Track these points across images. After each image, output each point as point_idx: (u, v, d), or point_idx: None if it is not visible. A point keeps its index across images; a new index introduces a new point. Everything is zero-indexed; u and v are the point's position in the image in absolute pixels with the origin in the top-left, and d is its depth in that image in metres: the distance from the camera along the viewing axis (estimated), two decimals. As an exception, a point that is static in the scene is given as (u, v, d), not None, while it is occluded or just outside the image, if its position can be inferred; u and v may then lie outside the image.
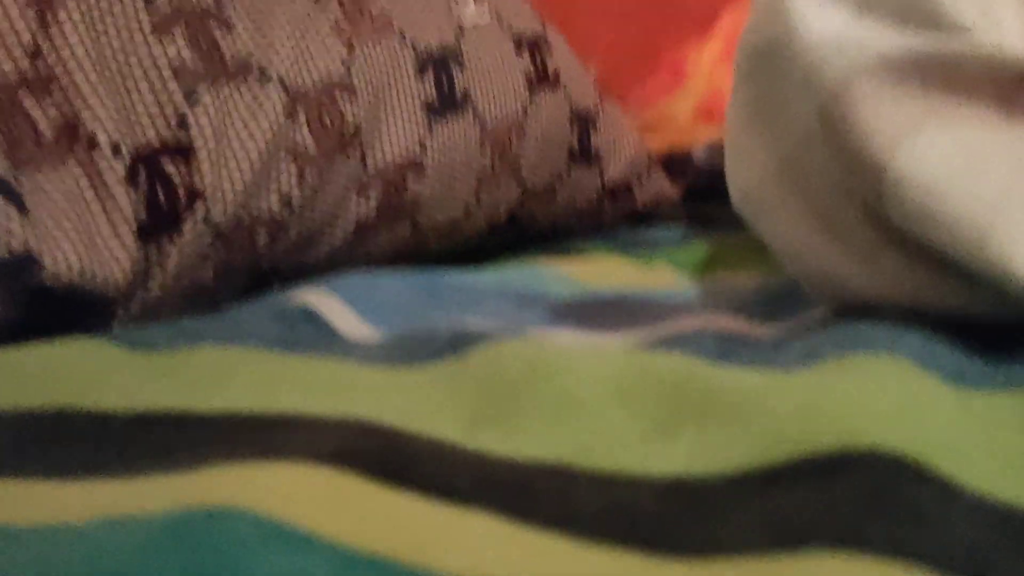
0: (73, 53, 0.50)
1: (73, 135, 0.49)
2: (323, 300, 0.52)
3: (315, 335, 0.48)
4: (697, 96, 1.03)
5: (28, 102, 0.49)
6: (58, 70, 0.49)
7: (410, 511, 0.25)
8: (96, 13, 0.51)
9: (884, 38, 0.40)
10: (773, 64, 0.44)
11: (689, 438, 0.30)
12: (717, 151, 0.93)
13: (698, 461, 0.29)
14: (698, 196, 0.96)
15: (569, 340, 0.45)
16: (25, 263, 0.45)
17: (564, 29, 0.92)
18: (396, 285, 0.57)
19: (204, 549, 0.22)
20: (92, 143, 0.50)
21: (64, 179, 0.49)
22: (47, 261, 0.46)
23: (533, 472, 0.28)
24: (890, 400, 0.30)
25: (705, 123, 1.02)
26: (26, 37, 0.49)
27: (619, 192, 0.87)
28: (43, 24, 0.50)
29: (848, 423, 0.28)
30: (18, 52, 0.49)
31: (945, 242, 0.37)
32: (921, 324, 0.38)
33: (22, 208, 0.46)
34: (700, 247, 0.70)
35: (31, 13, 0.49)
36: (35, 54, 0.49)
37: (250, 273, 0.60)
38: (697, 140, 1.00)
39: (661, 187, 0.91)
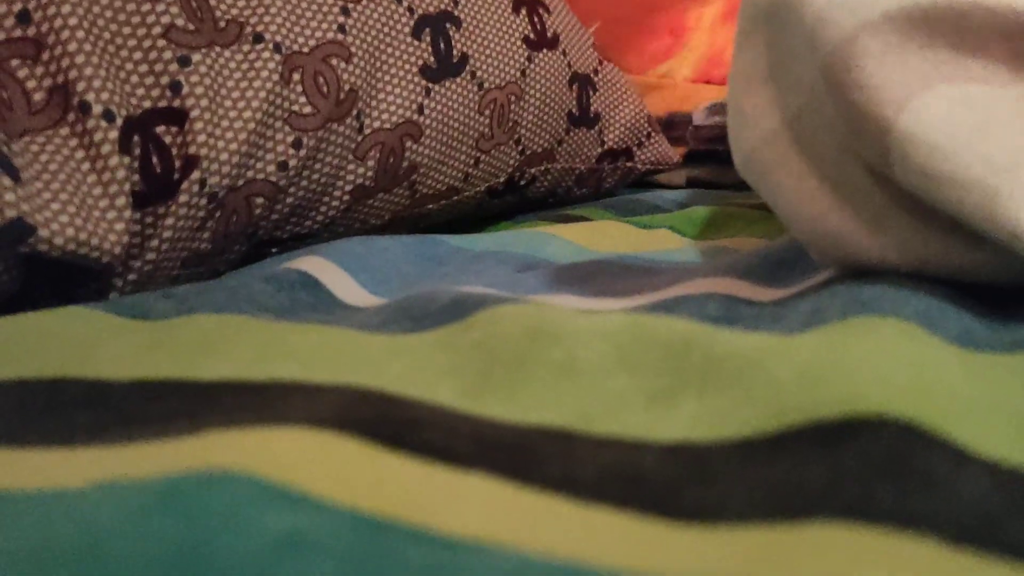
0: (65, 21, 0.50)
1: (66, 102, 0.49)
2: (322, 266, 0.51)
3: (314, 301, 0.48)
4: (698, 57, 1.02)
5: (21, 71, 0.48)
6: (50, 38, 0.49)
7: (410, 473, 0.25)
8: None
9: (891, -6, 0.39)
10: (776, 22, 0.43)
11: (692, 403, 0.30)
12: (718, 112, 0.93)
13: (701, 426, 0.28)
14: (699, 157, 0.96)
15: (570, 304, 0.44)
16: (19, 230, 0.45)
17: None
18: (395, 251, 0.57)
19: (201, 511, 0.22)
20: (85, 110, 0.49)
21: (58, 147, 0.48)
22: (41, 229, 0.46)
23: (534, 436, 0.28)
24: (897, 364, 0.30)
25: (706, 84, 1.01)
26: (17, 5, 0.49)
27: (619, 154, 0.87)
28: None
29: (854, 389, 0.28)
30: (9, 21, 0.48)
31: (953, 203, 0.36)
32: (928, 286, 0.38)
33: (15, 176, 0.46)
34: (702, 211, 0.69)
35: None
36: (26, 21, 0.49)
37: (248, 240, 0.60)
38: (698, 102, 0.99)
39: (661, 150, 0.91)
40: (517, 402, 0.31)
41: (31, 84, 0.48)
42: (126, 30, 0.52)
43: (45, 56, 0.49)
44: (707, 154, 0.96)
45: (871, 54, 0.38)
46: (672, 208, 0.75)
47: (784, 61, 0.43)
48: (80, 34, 0.50)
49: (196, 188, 0.53)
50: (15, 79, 0.48)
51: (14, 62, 0.48)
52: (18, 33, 0.49)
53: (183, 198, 0.53)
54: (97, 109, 0.49)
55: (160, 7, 0.54)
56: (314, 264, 0.52)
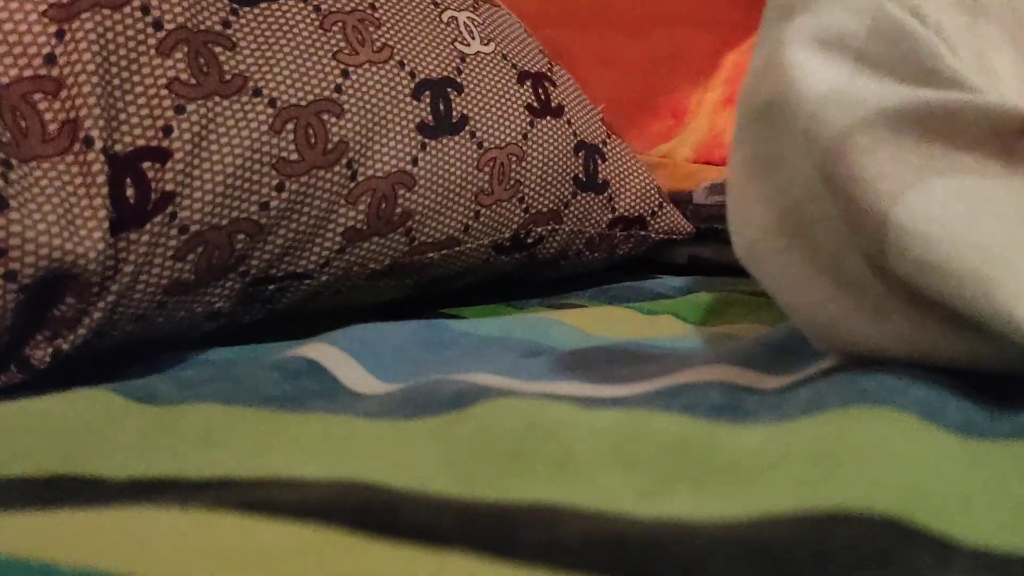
0: (84, 66, 0.57)
1: (74, 135, 0.56)
2: (329, 354, 0.52)
3: (320, 389, 0.49)
4: (698, 138, 1.04)
5: (42, 104, 0.56)
6: (69, 80, 0.57)
7: (393, 562, 0.25)
8: (108, 32, 0.59)
9: (883, 92, 0.40)
10: (773, 118, 0.45)
11: (684, 495, 0.30)
12: (718, 192, 0.94)
13: (691, 511, 0.28)
14: (700, 236, 0.97)
15: (573, 391, 0.45)
16: None
17: (572, 75, 0.93)
18: (401, 336, 0.57)
19: None
20: (88, 143, 0.57)
21: (60, 172, 0.56)
22: (13, 251, 0.53)
23: (518, 511, 0.28)
24: (891, 457, 0.30)
25: (706, 164, 1.03)
26: (46, 48, 0.57)
27: (632, 222, 0.90)
28: (60, 36, 0.57)
29: (847, 483, 0.28)
30: (38, 60, 0.56)
31: (950, 294, 0.37)
32: (928, 374, 0.38)
33: (2, 205, 0.53)
34: (705, 297, 0.69)
35: (53, 27, 0.57)
36: (52, 62, 0.57)
37: (241, 277, 0.64)
38: (698, 181, 1.00)
39: (675, 220, 0.94)
40: (508, 490, 0.31)
41: (48, 116, 0.56)
42: (135, 78, 0.59)
43: (63, 94, 0.56)
44: (708, 232, 0.97)
45: (865, 149, 0.39)
46: (675, 294, 0.75)
47: (780, 155, 0.44)
48: (95, 79, 0.57)
49: (167, 220, 0.59)
50: (36, 110, 0.56)
51: (37, 95, 0.56)
52: (43, 72, 0.56)
53: (153, 228, 0.59)
54: (98, 144, 0.57)
55: (168, 63, 0.61)
56: (322, 352, 0.52)
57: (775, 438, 0.33)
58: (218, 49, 0.63)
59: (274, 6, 0.68)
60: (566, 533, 0.26)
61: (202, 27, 0.63)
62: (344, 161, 0.67)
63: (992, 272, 0.36)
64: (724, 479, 0.31)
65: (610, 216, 0.87)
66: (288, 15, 0.68)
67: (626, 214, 0.89)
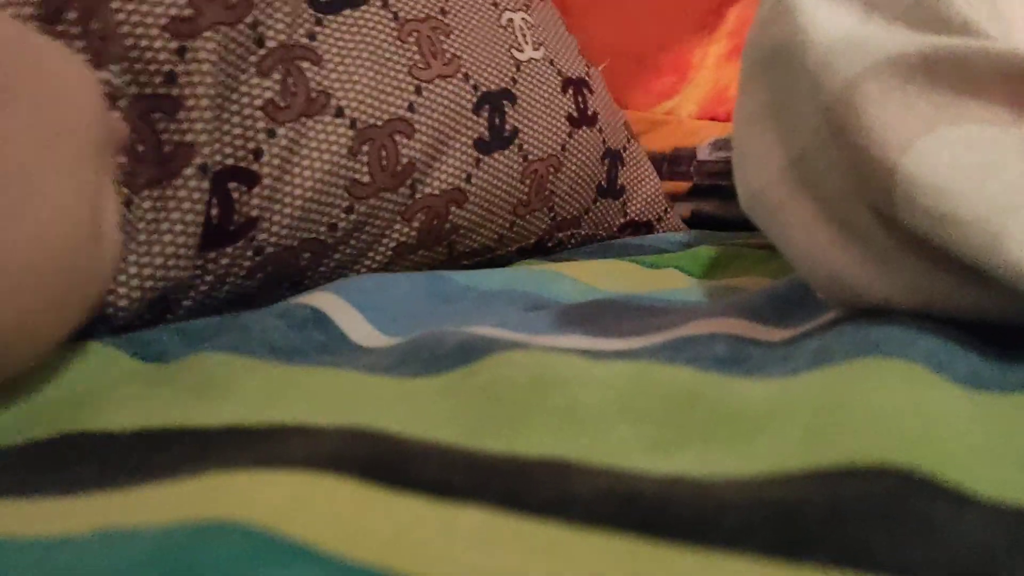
0: (200, 84, 0.55)
1: (187, 159, 0.54)
2: (334, 304, 0.52)
3: (325, 340, 0.48)
4: (702, 94, 1.03)
5: (160, 124, 0.54)
6: (190, 101, 0.54)
7: (405, 514, 0.25)
8: (223, 51, 0.57)
9: (893, 39, 0.40)
10: (780, 66, 0.44)
11: (694, 450, 0.30)
12: (722, 147, 0.93)
13: (700, 468, 0.28)
14: (703, 192, 0.96)
15: (577, 345, 0.45)
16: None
17: (572, 31, 0.92)
18: (406, 288, 0.57)
19: (197, 565, 0.22)
20: (203, 170, 0.55)
21: (168, 199, 0.54)
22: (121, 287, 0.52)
23: (530, 465, 0.28)
24: (901, 408, 0.30)
25: (710, 120, 1.02)
26: (167, 67, 0.54)
27: (640, 226, 0.93)
28: (182, 55, 0.54)
29: (857, 435, 0.28)
30: (158, 79, 0.54)
31: (957, 244, 0.36)
32: (936, 326, 0.38)
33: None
34: (708, 251, 0.69)
35: (174, 44, 0.54)
36: (172, 81, 0.54)
37: (294, 287, 0.65)
38: (702, 137, 1.00)
39: (676, 224, 0.96)
40: (516, 442, 0.31)
41: (164, 136, 0.54)
42: (234, 96, 0.58)
43: (180, 115, 0.54)
44: (711, 189, 0.97)
45: (874, 98, 0.39)
46: (677, 249, 0.75)
47: (787, 103, 0.44)
48: (206, 101, 0.55)
49: (246, 243, 0.59)
50: (154, 130, 0.53)
51: (156, 115, 0.54)
52: (163, 91, 0.54)
53: (234, 251, 0.58)
54: (198, 164, 0.55)
55: (266, 83, 0.60)
56: (326, 301, 0.52)
57: (783, 391, 0.33)
58: (305, 64, 0.62)
59: (356, 14, 0.67)
60: (578, 488, 0.26)
61: (292, 41, 0.62)
62: (409, 182, 0.67)
63: (1001, 222, 0.36)
64: (733, 433, 0.30)
65: (622, 220, 0.89)
66: (368, 24, 0.68)
67: (636, 219, 0.91)
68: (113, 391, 0.38)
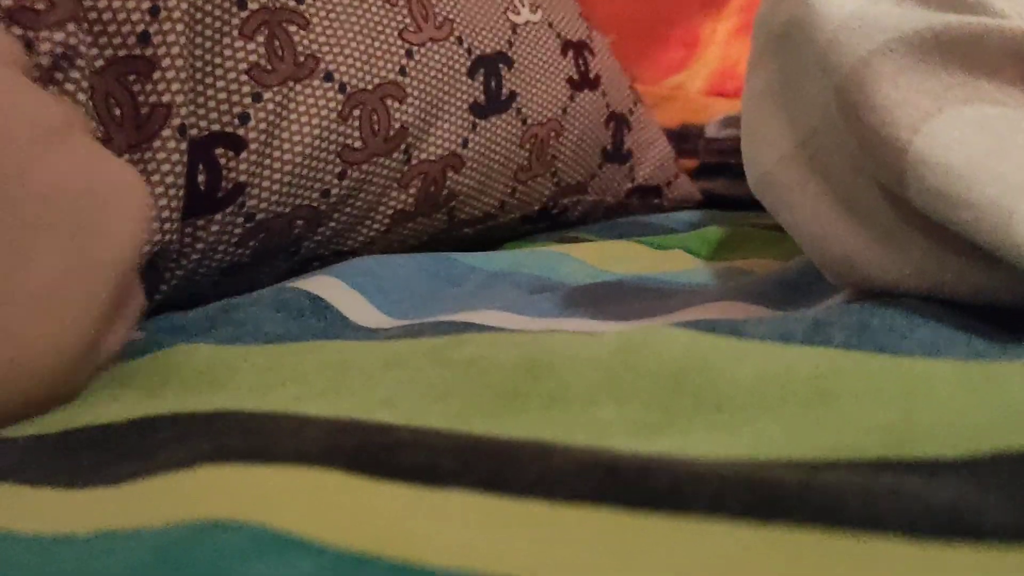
0: (175, 44, 0.54)
1: (164, 120, 0.54)
2: (334, 288, 0.52)
3: (324, 326, 0.48)
4: (710, 69, 1.02)
5: (135, 86, 0.53)
6: (165, 61, 0.54)
7: (393, 503, 0.26)
8: (197, 12, 0.56)
9: (905, 17, 0.39)
10: (790, 44, 0.43)
11: (676, 435, 0.30)
12: (731, 125, 0.92)
13: (682, 449, 0.29)
14: (712, 170, 0.95)
15: (582, 328, 0.44)
16: None
17: (580, 4, 0.91)
18: (408, 270, 0.57)
19: (195, 564, 0.22)
20: (181, 132, 0.54)
21: (147, 160, 0.53)
22: None
23: (514, 447, 0.28)
24: (885, 397, 0.30)
25: (718, 97, 1.01)
26: (140, 26, 0.53)
27: (649, 191, 0.91)
28: (154, 15, 0.54)
29: (837, 428, 0.28)
30: (132, 40, 0.53)
31: (967, 224, 0.36)
32: (939, 312, 0.38)
33: None
34: (716, 231, 0.69)
35: (147, 3, 0.54)
36: (145, 41, 0.54)
37: (290, 256, 0.63)
38: (711, 114, 0.99)
39: (687, 189, 0.95)
40: (503, 425, 0.31)
41: (140, 99, 0.53)
42: (217, 60, 0.57)
43: (156, 76, 0.53)
44: (720, 167, 0.96)
45: (885, 76, 0.38)
46: (685, 229, 0.74)
47: (797, 83, 0.43)
48: (181, 61, 0.54)
49: (236, 210, 0.58)
50: (130, 93, 0.53)
51: (131, 77, 0.53)
52: (137, 51, 0.53)
53: (223, 217, 0.57)
54: (177, 127, 0.54)
55: (251, 46, 0.59)
56: (327, 286, 0.52)
57: (771, 372, 0.32)
58: (292, 28, 0.61)
59: None
60: (560, 465, 0.26)
61: (277, 4, 0.61)
62: (403, 147, 0.66)
63: (1012, 203, 0.35)
64: (717, 419, 0.31)
65: (629, 185, 0.88)
66: None
67: (644, 184, 0.89)
68: (106, 388, 0.38)
